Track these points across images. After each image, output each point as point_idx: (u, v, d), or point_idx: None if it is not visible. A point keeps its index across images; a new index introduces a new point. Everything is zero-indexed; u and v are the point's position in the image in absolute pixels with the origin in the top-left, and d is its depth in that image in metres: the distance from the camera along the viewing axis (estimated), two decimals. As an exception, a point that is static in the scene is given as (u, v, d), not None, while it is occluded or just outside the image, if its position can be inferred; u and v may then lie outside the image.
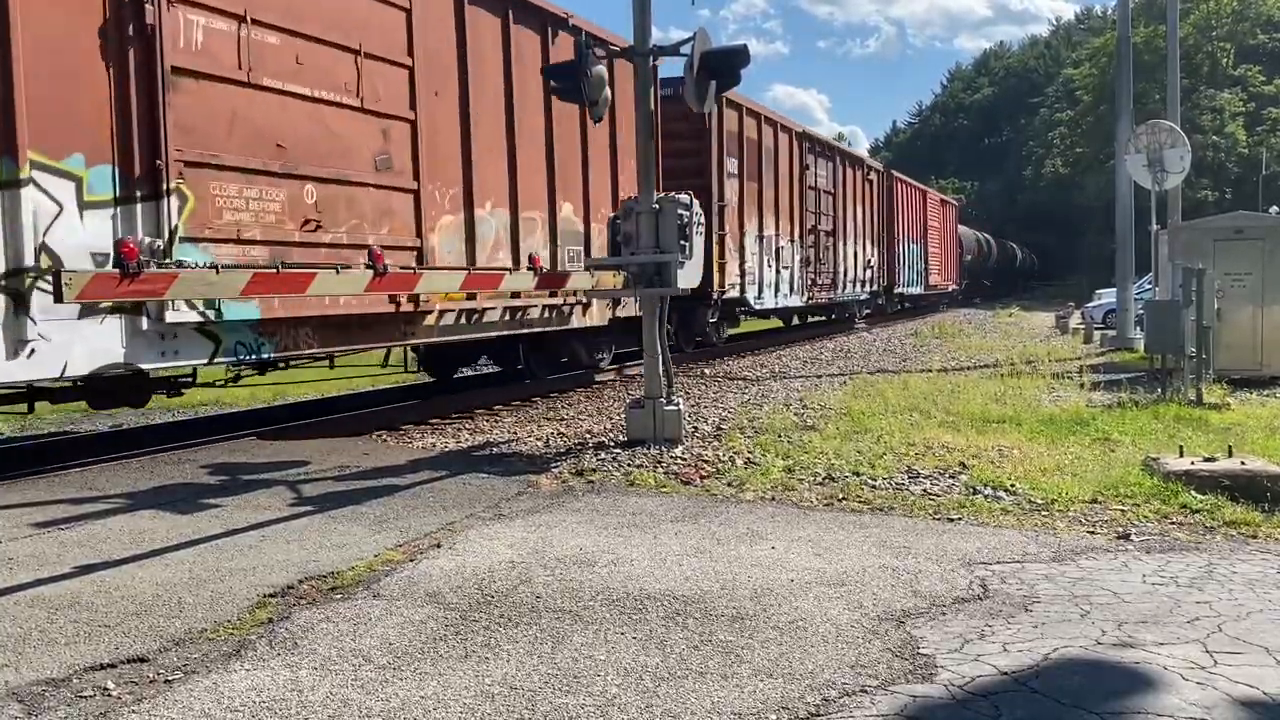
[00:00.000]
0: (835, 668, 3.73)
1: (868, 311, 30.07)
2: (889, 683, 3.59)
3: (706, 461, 7.86)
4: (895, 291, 32.01)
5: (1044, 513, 6.24)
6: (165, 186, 7.29)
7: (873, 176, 28.98)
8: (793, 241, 21.50)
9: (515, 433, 9.78)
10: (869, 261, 28.14)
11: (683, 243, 8.81)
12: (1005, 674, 3.63)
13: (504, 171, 11.23)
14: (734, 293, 18.15)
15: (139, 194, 7.20)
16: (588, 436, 9.32)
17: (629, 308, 13.10)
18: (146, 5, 7.19)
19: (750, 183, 18.84)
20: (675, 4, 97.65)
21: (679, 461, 7.90)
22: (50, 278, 6.22)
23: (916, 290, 35.17)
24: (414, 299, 9.61)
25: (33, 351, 6.57)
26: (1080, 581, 4.76)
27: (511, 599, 4.56)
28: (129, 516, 6.25)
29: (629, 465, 7.80)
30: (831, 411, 10.53)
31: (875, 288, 29.20)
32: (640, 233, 8.81)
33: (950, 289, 42.76)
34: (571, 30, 12.01)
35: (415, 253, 9.82)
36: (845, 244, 25.46)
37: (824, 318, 28.25)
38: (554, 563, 5.14)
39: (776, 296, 20.66)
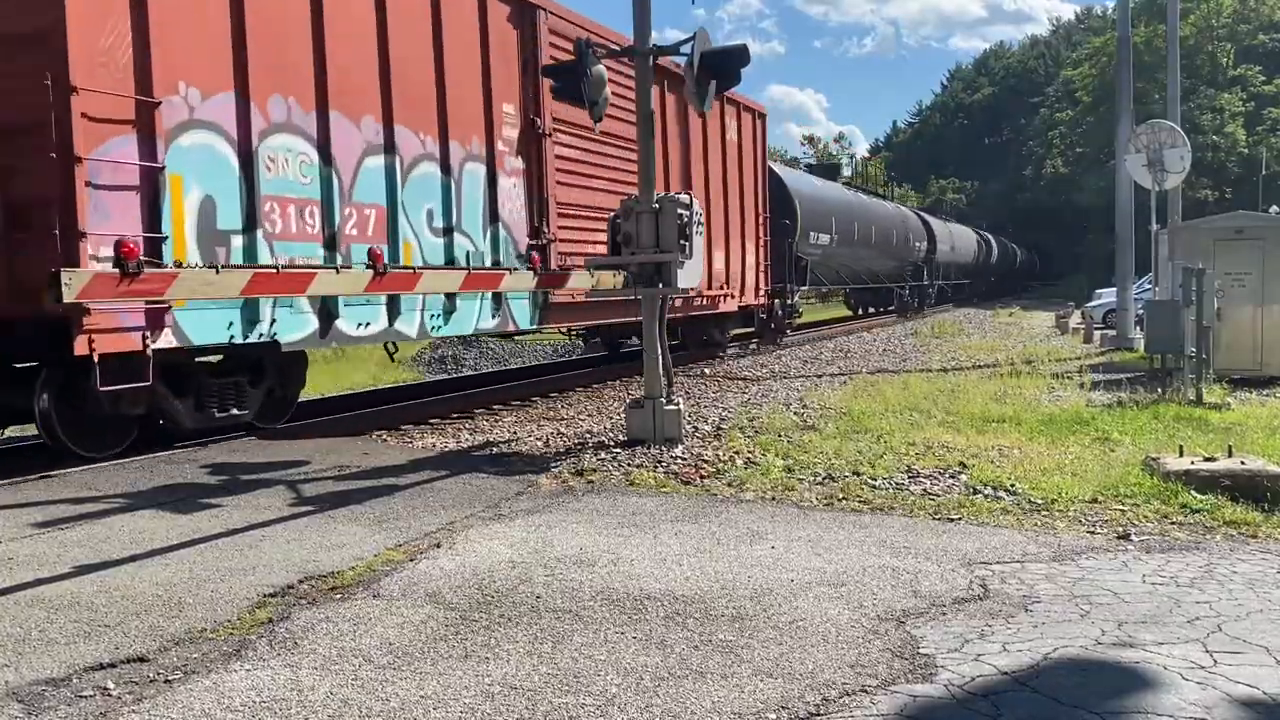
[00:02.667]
0: (835, 667, 3.73)
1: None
2: (889, 682, 3.58)
3: (706, 461, 7.86)
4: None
5: (1044, 512, 6.24)
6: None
7: None
8: None
9: (515, 433, 9.78)
10: None
11: (683, 242, 8.82)
12: (1005, 674, 3.63)
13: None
14: None
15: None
16: (588, 436, 9.32)
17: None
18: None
19: None
20: (674, 4, 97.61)
21: (679, 461, 7.90)
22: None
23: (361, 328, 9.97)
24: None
25: None
26: (1080, 581, 4.75)
27: (511, 599, 4.56)
28: (129, 516, 6.25)
29: (629, 465, 7.80)
30: (831, 411, 10.53)
31: None
32: (640, 232, 8.82)
33: (735, 303, 17.55)
34: None
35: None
36: None
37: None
38: (554, 563, 5.14)
39: None
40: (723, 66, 8.85)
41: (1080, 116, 67.74)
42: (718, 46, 8.91)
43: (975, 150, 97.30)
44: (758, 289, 18.93)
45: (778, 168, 21.93)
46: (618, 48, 10.43)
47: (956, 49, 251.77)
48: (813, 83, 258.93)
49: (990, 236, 56.66)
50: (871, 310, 36.80)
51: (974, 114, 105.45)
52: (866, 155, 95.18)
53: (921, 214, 41.26)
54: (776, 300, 20.55)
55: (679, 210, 8.82)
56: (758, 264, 18.91)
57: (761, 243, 19.10)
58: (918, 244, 36.38)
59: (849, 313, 36.42)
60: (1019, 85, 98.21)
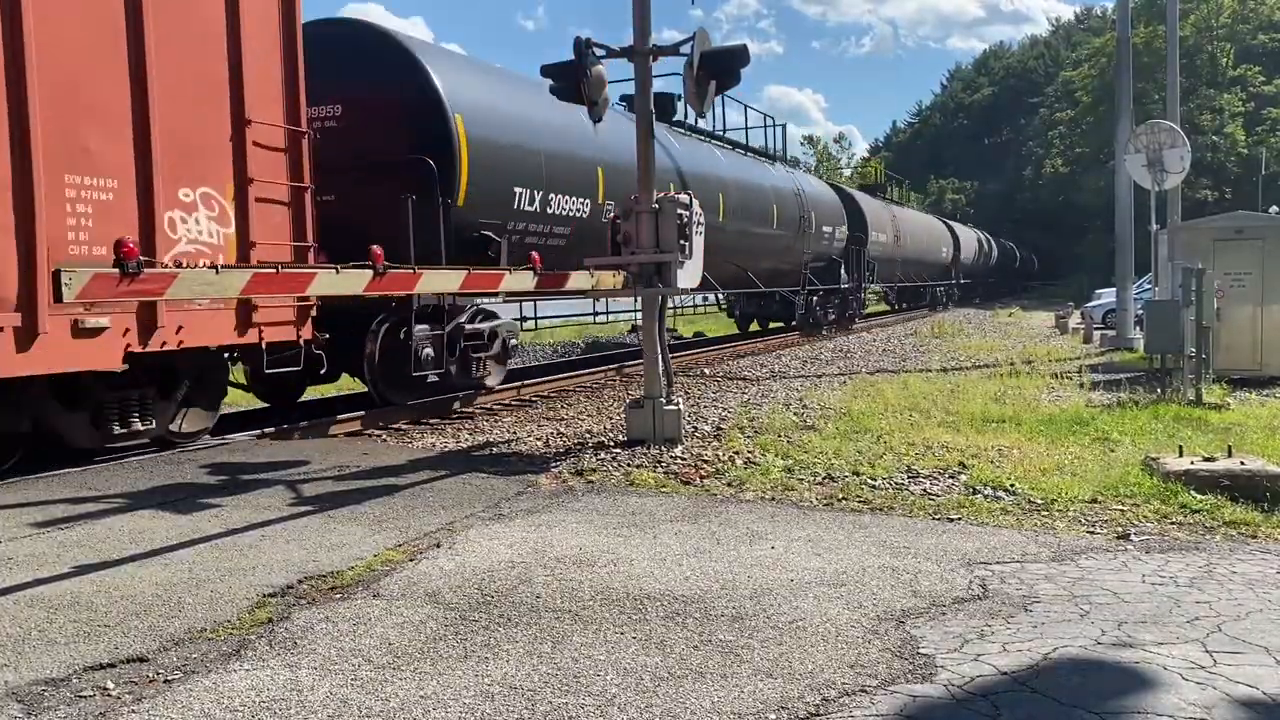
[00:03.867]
0: (835, 667, 3.73)
1: None
2: (889, 682, 3.58)
3: (706, 461, 7.86)
4: None
5: (1044, 513, 6.24)
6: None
7: None
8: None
9: (515, 433, 9.78)
10: None
11: (682, 242, 8.82)
12: (1005, 674, 3.63)
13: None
14: None
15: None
16: (587, 436, 9.32)
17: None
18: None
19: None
20: (673, 4, 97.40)
21: (679, 461, 7.90)
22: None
23: None
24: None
25: None
26: (1080, 581, 4.75)
27: (511, 599, 4.56)
28: (129, 516, 6.25)
29: (629, 465, 7.80)
30: (831, 411, 10.53)
31: None
32: (640, 232, 8.82)
33: (180, 339, 7.95)
34: None
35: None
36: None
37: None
38: (554, 563, 5.14)
39: None
40: (723, 66, 8.83)
41: (1080, 117, 67.79)
42: (718, 46, 8.90)
43: (975, 150, 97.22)
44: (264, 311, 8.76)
45: (427, 59, 10.48)
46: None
47: (955, 49, 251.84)
48: (811, 83, 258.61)
49: (989, 236, 56.33)
50: (775, 326, 26.41)
51: (974, 114, 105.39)
52: (866, 155, 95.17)
53: (843, 188, 30.32)
54: (381, 328, 10.46)
55: (679, 210, 8.83)
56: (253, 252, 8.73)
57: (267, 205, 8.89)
58: (829, 229, 24.76)
59: (735, 329, 26.97)
60: (1019, 85, 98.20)
